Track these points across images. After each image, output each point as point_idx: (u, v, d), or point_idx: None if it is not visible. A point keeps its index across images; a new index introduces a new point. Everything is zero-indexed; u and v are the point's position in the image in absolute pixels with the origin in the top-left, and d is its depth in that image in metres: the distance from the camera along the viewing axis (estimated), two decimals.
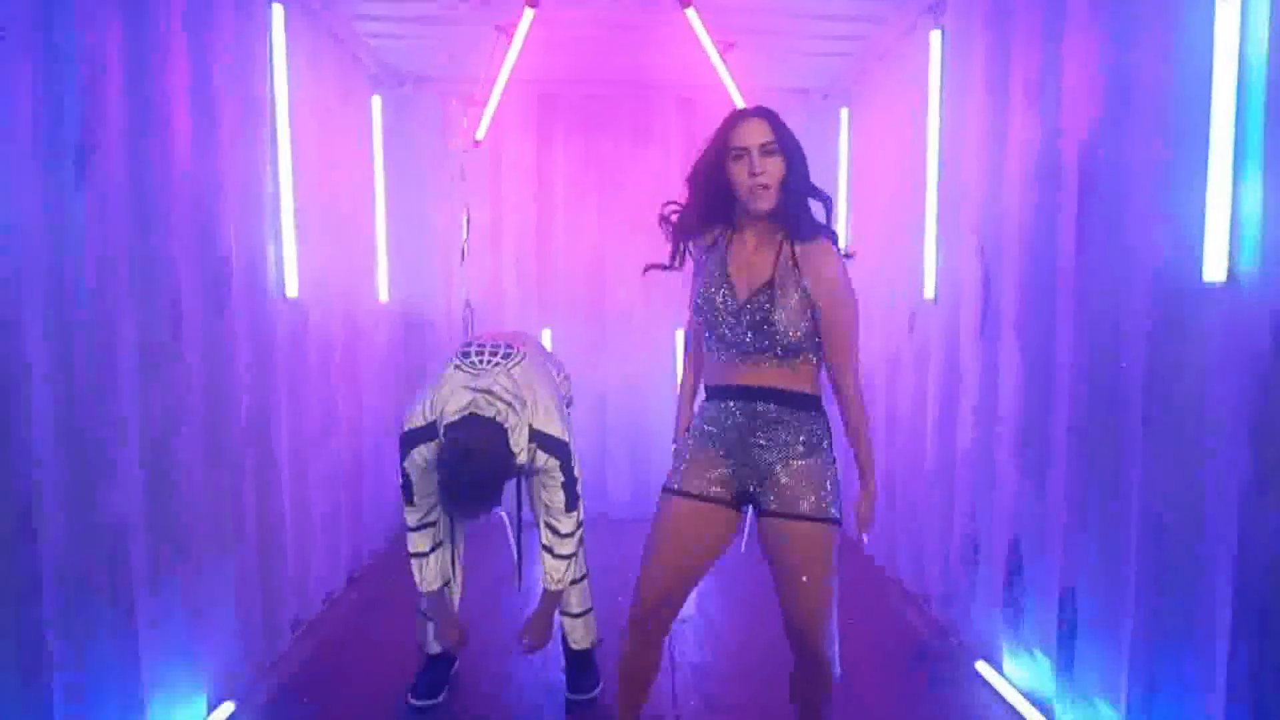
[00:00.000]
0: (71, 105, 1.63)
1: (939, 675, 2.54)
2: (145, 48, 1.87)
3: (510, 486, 2.31)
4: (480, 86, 3.49)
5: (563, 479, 2.14)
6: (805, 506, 1.63)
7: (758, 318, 1.62)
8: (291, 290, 2.77)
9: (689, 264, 1.78)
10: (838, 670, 1.72)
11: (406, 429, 2.10)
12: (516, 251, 4.22)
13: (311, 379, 2.99)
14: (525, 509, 2.46)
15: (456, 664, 2.47)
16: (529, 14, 2.89)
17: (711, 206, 1.68)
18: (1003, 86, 2.39)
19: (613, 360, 4.26)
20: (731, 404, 1.68)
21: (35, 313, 1.57)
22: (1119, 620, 1.88)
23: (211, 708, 2.21)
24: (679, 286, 1.86)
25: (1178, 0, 1.65)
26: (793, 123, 1.68)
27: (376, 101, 3.72)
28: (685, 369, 1.94)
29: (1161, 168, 1.71)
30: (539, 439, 2.10)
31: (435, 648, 2.38)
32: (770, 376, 1.65)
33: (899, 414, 3.30)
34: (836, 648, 1.70)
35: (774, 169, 1.60)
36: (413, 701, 2.31)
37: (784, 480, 1.65)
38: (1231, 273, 1.56)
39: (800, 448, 1.65)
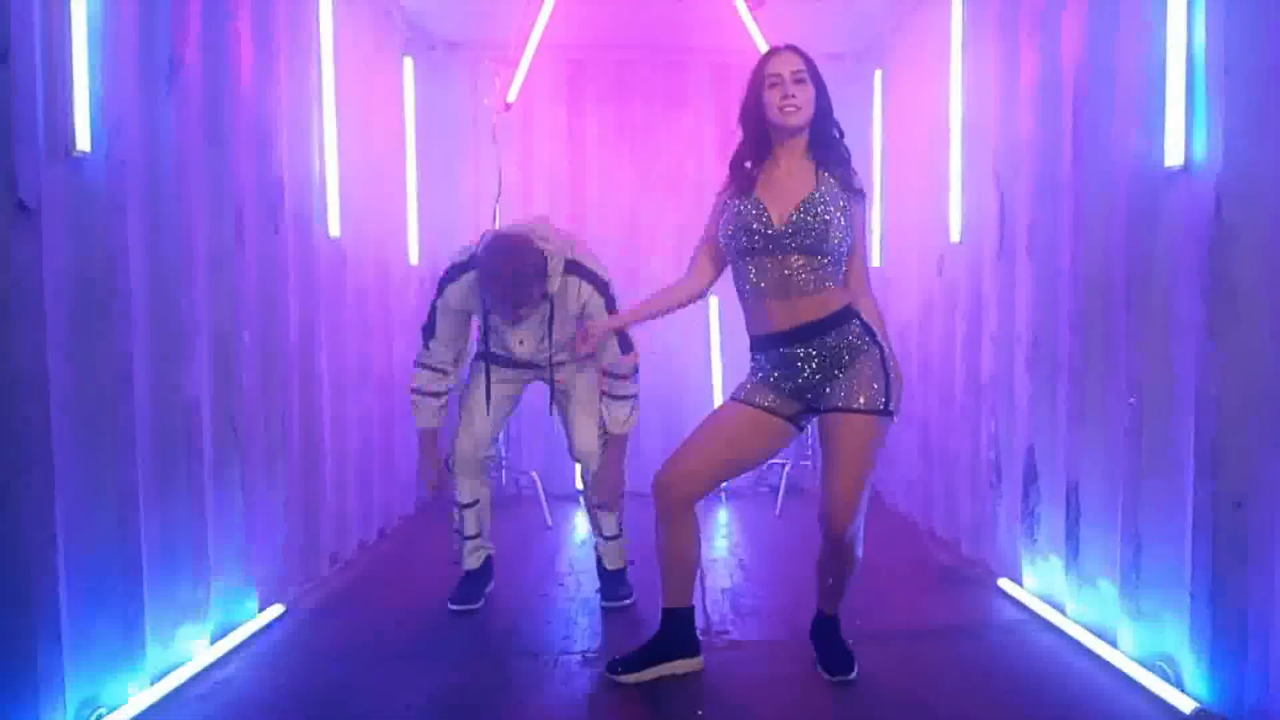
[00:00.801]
0: (162, 27, 2.13)
1: (963, 593, 2.89)
2: None
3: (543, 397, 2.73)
4: (512, 50, 3.97)
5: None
6: (859, 402, 1.99)
7: (805, 225, 1.97)
8: (334, 230, 3.25)
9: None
10: (860, 551, 2.09)
11: (447, 266, 2.59)
12: (549, 215, 4.66)
13: (349, 320, 3.46)
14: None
15: (493, 583, 2.88)
16: None
17: (758, 138, 2.07)
18: (1013, 31, 2.85)
19: (646, 327, 4.65)
20: (779, 351, 2.05)
21: (135, 205, 2.05)
22: (1112, 500, 2.23)
23: (261, 607, 2.64)
24: None
25: None
26: (830, 86, 2.07)
27: (408, 63, 4.23)
28: (677, 287, 2.25)
29: (1135, 80, 2.14)
30: (576, 269, 2.53)
31: (473, 563, 2.80)
32: (805, 310, 2.01)
33: (932, 359, 3.68)
34: (862, 531, 2.06)
35: (804, 94, 2.00)
36: (452, 607, 2.72)
37: (839, 382, 2.02)
38: (1186, 159, 1.97)
39: (846, 357, 2.02)
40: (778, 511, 4.16)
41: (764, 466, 4.34)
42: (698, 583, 2.95)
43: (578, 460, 2.78)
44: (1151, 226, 2.07)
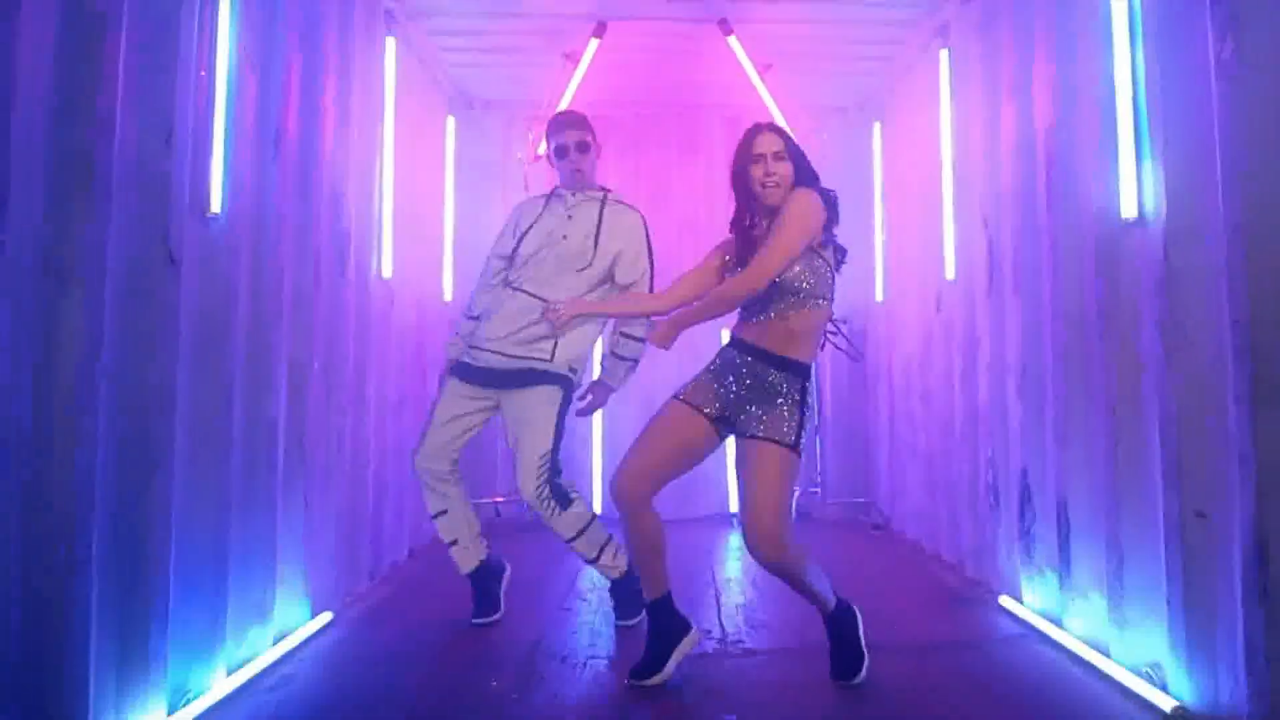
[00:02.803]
0: (274, 104, 2.51)
1: (967, 611, 3.12)
2: (314, 68, 2.80)
3: None
4: (545, 108, 4.35)
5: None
6: (773, 432, 2.20)
7: (784, 287, 2.23)
8: (386, 272, 3.58)
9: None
10: (808, 574, 2.25)
11: None
12: None
13: (392, 355, 3.77)
14: None
15: (507, 575, 3.03)
16: (594, 43, 3.78)
17: (746, 200, 2.37)
18: (994, 94, 3.24)
19: (662, 364, 4.95)
20: (734, 353, 2.32)
21: (244, 256, 2.39)
22: (1097, 516, 2.49)
23: (313, 613, 2.90)
24: None
25: (1096, 39, 2.48)
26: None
27: (450, 122, 4.63)
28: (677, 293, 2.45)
29: (1094, 143, 2.49)
30: (626, 204, 2.98)
31: (466, 566, 2.93)
32: (770, 340, 2.25)
33: (933, 391, 3.97)
34: (796, 552, 2.22)
35: (782, 170, 2.31)
36: (474, 621, 2.90)
37: (757, 411, 2.24)
38: (1139, 211, 2.32)
39: (775, 393, 2.24)
40: None
41: None
42: (713, 598, 3.22)
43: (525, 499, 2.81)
44: (1115, 269, 2.40)
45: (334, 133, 2.95)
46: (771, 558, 2.20)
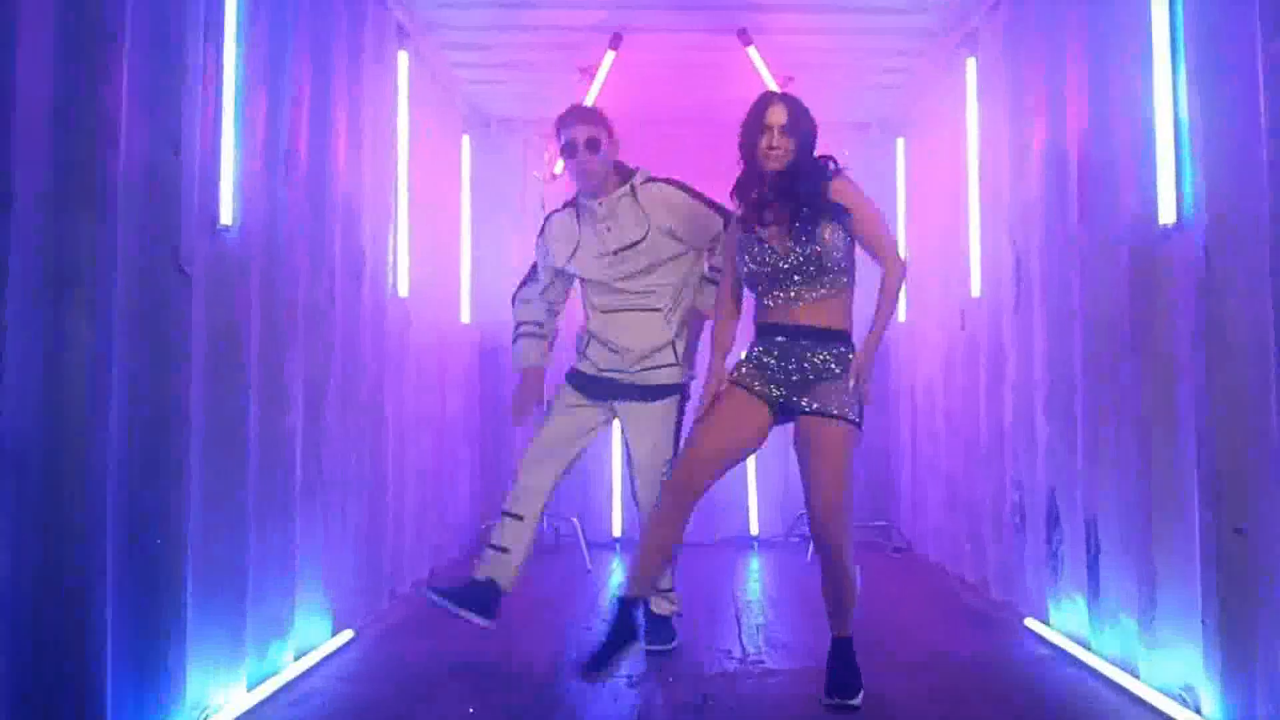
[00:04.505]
0: (285, 122, 2.53)
1: (992, 632, 3.05)
2: (324, 82, 2.81)
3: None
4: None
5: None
6: (835, 409, 2.24)
7: (805, 259, 2.25)
8: (403, 290, 3.60)
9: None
10: (857, 577, 2.27)
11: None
12: None
13: (409, 375, 3.77)
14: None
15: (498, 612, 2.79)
16: (610, 56, 3.78)
17: (751, 167, 2.36)
18: (1022, 103, 3.18)
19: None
20: (776, 339, 2.33)
21: (257, 270, 2.39)
22: (1128, 536, 2.42)
23: (334, 630, 2.88)
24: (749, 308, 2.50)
25: (1132, 39, 2.42)
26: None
27: (466, 141, 4.67)
28: (716, 330, 2.51)
29: (1131, 148, 2.44)
30: (652, 179, 2.80)
31: (482, 576, 2.74)
32: (805, 316, 2.29)
33: (955, 410, 3.91)
34: (851, 553, 2.23)
35: (786, 144, 2.29)
36: (475, 618, 2.61)
37: (818, 390, 2.28)
38: (1178, 217, 2.27)
39: (831, 368, 2.28)
40: (809, 558, 4.34)
41: (794, 516, 4.57)
42: (734, 618, 3.19)
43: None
44: (1151, 278, 2.35)
45: (346, 148, 2.95)
46: (837, 538, 2.20)
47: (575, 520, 4.50)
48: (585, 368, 2.79)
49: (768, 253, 2.30)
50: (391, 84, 3.49)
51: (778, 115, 2.31)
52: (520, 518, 2.70)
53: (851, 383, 2.26)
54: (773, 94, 2.42)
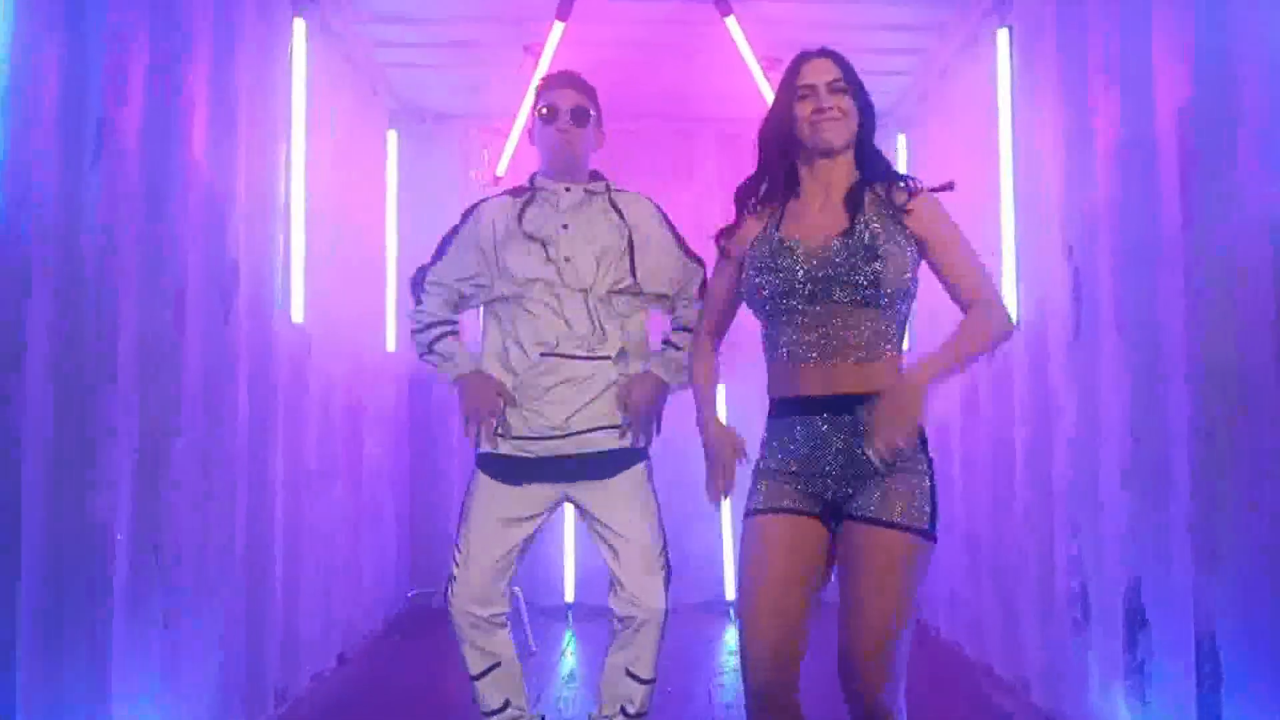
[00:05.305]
0: (95, 81, 1.82)
1: None
2: (170, 34, 2.09)
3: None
4: (504, 120, 3.74)
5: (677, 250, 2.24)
6: (895, 513, 1.56)
7: (849, 265, 1.59)
8: (297, 315, 2.91)
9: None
10: None
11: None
12: None
13: (311, 415, 3.09)
14: None
15: None
16: (558, 28, 3.11)
17: (776, 164, 1.71)
18: (1080, 73, 2.52)
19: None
20: (802, 422, 1.61)
21: (44, 290, 1.68)
22: (1260, 658, 1.78)
23: None
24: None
25: None
26: None
27: (393, 137, 3.99)
28: (698, 373, 1.86)
29: (1261, 121, 1.79)
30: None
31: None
32: (846, 379, 1.59)
33: (976, 458, 3.30)
34: (902, 699, 1.57)
35: (842, 106, 1.66)
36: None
37: (871, 485, 1.58)
38: None
39: (902, 454, 1.56)
40: None
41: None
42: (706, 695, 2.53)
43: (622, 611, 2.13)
44: None
45: (208, 129, 2.26)
46: (875, 691, 1.51)
47: (518, 591, 3.80)
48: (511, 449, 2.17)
49: (796, 257, 1.62)
50: (283, 56, 2.80)
51: (821, 69, 1.67)
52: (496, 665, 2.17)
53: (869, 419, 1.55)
54: (806, 51, 1.74)
